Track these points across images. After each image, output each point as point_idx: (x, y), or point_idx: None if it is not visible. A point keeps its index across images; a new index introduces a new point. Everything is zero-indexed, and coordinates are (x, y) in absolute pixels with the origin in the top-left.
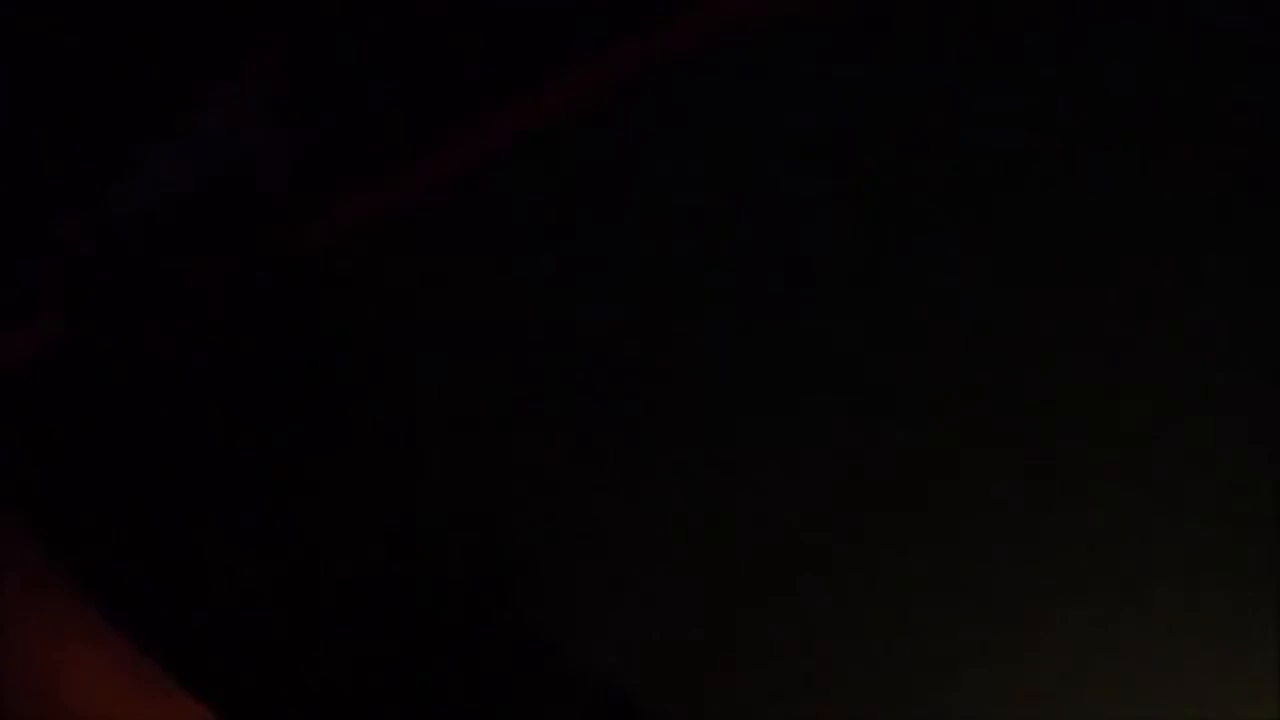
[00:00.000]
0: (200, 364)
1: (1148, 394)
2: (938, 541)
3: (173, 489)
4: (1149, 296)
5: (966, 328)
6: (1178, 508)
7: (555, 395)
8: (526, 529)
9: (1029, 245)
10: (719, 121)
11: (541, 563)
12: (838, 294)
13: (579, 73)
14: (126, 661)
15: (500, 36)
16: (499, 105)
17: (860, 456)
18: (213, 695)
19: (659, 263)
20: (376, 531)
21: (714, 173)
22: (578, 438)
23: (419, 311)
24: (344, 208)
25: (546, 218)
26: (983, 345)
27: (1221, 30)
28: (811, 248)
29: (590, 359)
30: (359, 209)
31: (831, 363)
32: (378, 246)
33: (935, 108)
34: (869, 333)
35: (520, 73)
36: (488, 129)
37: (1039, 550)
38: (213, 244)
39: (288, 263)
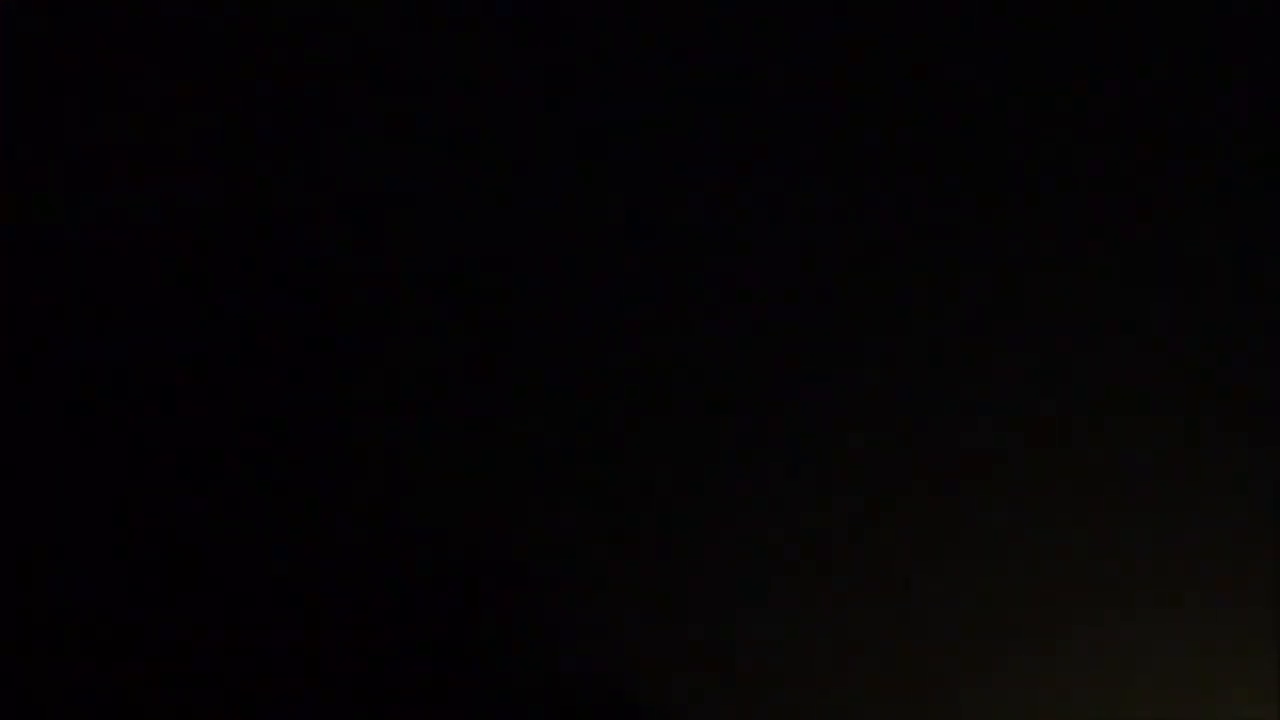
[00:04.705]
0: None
1: (1148, 400)
2: (939, 547)
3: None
4: (1152, 305)
5: (976, 334)
6: (1179, 513)
7: (549, 399)
8: (525, 532)
9: (1033, 248)
10: (716, 121)
11: (541, 564)
12: (837, 295)
13: None
14: None
15: None
16: None
17: (864, 460)
18: (213, 696)
19: (649, 266)
20: (372, 534)
21: (708, 172)
22: (574, 441)
23: (414, 316)
24: None
25: (539, 218)
26: (991, 351)
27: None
28: (806, 250)
29: (583, 363)
30: None
31: (836, 365)
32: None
33: (932, 105)
34: (872, 334)
35: None
36: None
37: (1039, 556)
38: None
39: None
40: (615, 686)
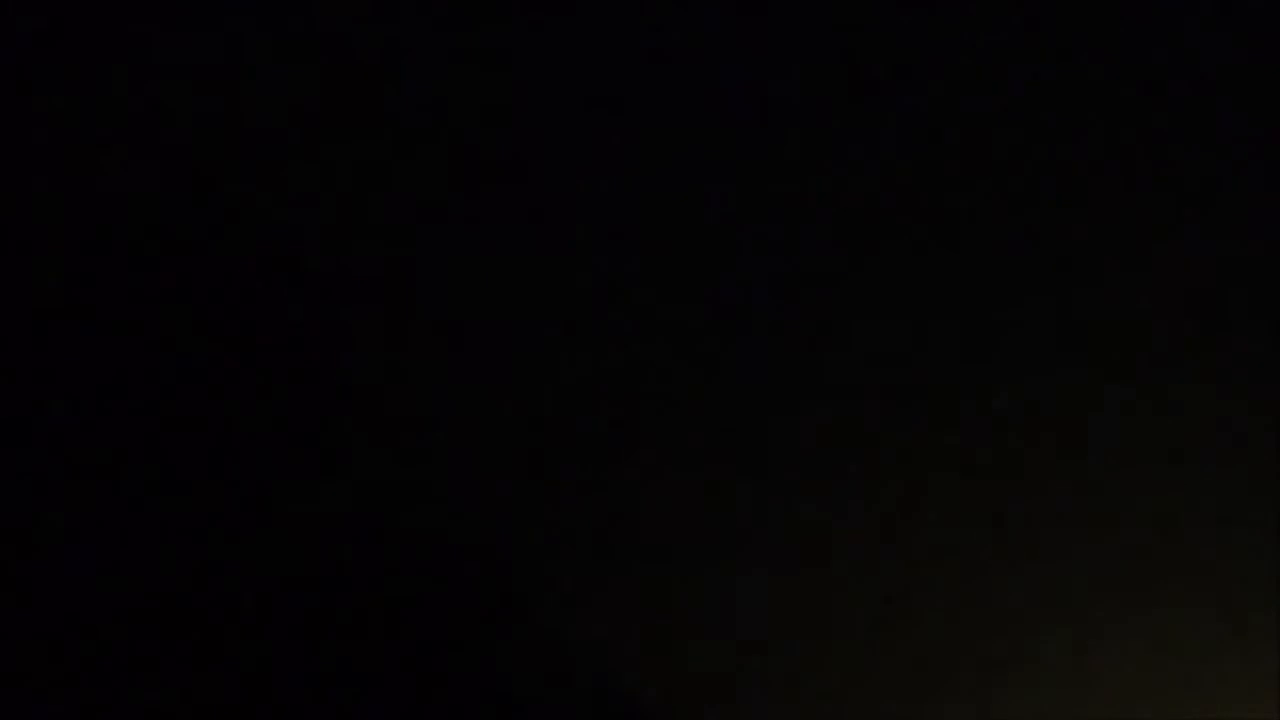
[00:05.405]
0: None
1: (1148, 399)
2: (939, 548)
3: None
4: (1149, 305)
5: (971, 333)
6: (1180, 512)
7: (550, 398)
8: (528, 530)
9: (1034, 248)
10: (710, 125)
11: (543, 563)
12: (831, 296)
13: None
14: None
15: None
16: None
17: (866, 461)
18: (217, 695)
19: (645, 264)
20: (375, 533)
21: (704, 173)
22: (575, 438)
23: (417, 313)
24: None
25: (544, 218)
26: (987, 350)
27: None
28: (802, 250)
29: (584, 363)
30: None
31: (833, 363)
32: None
33: (924, 106)
34: (867, 334)
35: None
36: None
37: (1041, 554)
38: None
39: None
40: (615, 686)
